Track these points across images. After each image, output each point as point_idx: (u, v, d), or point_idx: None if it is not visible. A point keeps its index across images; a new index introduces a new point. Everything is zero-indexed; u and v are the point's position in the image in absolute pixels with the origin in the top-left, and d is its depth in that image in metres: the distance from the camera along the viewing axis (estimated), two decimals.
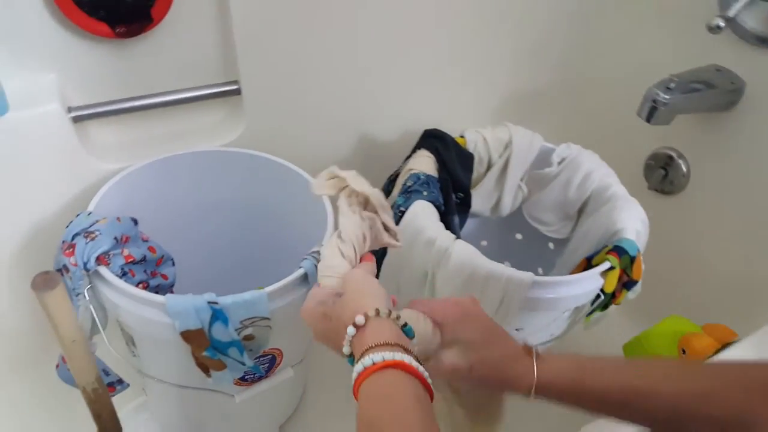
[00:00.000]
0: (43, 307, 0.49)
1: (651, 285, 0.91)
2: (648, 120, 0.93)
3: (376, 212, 0.60)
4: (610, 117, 1.15)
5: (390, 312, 0.49)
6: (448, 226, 0.91)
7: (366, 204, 0.61)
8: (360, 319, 0.47)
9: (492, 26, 1.05)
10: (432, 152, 0.95)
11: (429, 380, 0.45)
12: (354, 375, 0.45)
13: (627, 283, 0.86)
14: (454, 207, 0.96)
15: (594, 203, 0.95)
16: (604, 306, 0.87)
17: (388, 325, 0.48)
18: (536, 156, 1.00)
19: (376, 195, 0.60)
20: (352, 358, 0.49)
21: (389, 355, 0.44)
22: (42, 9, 0.77)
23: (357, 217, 0.59)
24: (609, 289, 0.83)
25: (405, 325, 0.49)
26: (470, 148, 0.99)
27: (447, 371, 0.53)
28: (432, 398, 0.44)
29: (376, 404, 0.43)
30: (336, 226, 0.78)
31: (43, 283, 0.47)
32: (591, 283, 0.80)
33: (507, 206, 1.03)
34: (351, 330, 0.48)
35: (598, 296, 0.83)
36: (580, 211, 0.98)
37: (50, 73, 0.83)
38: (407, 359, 0.44)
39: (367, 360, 0.44)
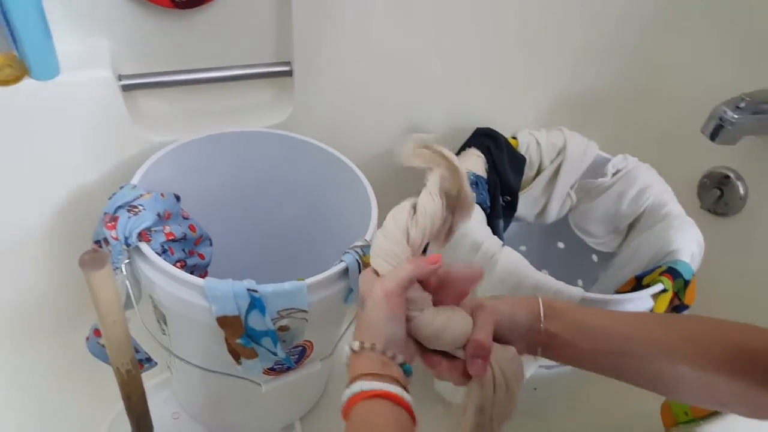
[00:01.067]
0: (89, 285, 0.47)
1: (698, 310, 0.87)
2: (712, 138, 0.89)
3: (453, 213, 0.55)
4: (668, 131, 1.11)
5: (386, 352, 0.49)
6: (494, 229, 0.89)
7: (449, 198, 0.55)
8: (356, 345, 0.49)
9: (557, 26, 1.00)
10: (483, 152, 0.92)
11: (412, 410, 0.47)
12: (343, 399, 0.47)
13: (678, 306, 0.83)
14: (500, 210, 0.93)
15: (647, 220, 0.91)
16: None
17: (380, 360, 0.49)
18: (589, 165, 0.97)
19: (469, 194, 0.55)
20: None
21: (377, 385, 0.46)
22: None
23: (441, 203, 0.54)
24: (659, 311, 0.80)
25: (403, 363, 0.50)
26: (522, 150, 0.96)
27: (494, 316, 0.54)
28: (415, 425, 0.47)
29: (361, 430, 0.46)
30: (380, 220, 0.76)
31: (91, 261, 0.46)
32: (641, 304, 0.77)
33: (553, 213, 1.00)
34: (347, 350, 0.50)
35: None
36: (631, 226, 0.95)
37: (103, 39, 0.81)
38: (394, 390, 0.46)
39: (356, 386, 0.47)
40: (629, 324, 0.55)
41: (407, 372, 0.50)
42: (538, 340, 0.55)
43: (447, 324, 0.52)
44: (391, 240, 0.54)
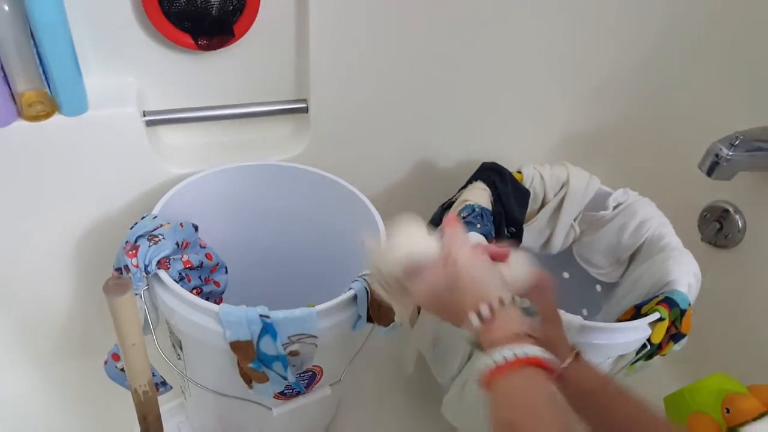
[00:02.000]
0: (111, 310, 0.51)
1: (698, 338, 0.89)
2: (709, 174, 0.92)
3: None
4: (669, 165, 1.14)
5: (513, 298, 0.47)
6: None
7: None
8: (485, 311, 0.46)
9: (559, 64, 1.05)
10: (488, 185, 0.95)
11: (558, 370, 0.46)
12: (484, 369, 0.44)
13: (675, 335, 0.85)
14: (505, 241, 0.96)
15: (647, 251, 0.93)
16: (649, 356, 0.86)
17: (514, 315, 0.47)
18: (592, 198, 1.00)
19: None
20: (474, 343, 0.48)
21: (521, 351, 0.43)
22: (131, 16, 0.81)
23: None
24: (656, 340, 0.82)
25: (526, 306, 0.50)
26: (526, 183, 0.99)
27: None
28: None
29: (514, 405, 0.43)
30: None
31: (114, 287, 0.49)
32: (638, 332, 0.79)
33: (557, 244, 1.03)
34: (475, 320, 0.47)
35: (644, 346, 0.82)
36: (632, 258, 0.97)
37: (130, 77, 0.86)
38: (541, 355, 0.44)
39: (498, 356, 0.44)
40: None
41: (529, 313, 0.50)
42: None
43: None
44: (419, 238, 0.56)
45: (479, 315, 0.47)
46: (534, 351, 0.44)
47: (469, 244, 0.53)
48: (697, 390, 0.96)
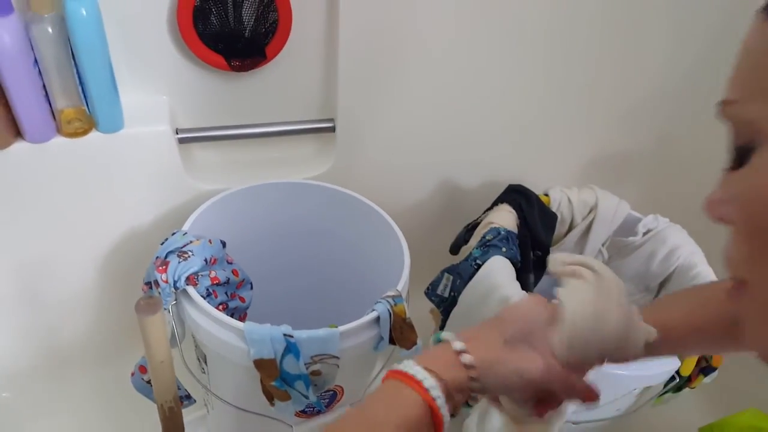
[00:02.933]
0: (141, 328, 0.52)
1: (730, 372, 0.87)
2: None
3: None
4: (701, 192, 1.11)
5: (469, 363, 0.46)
6: (524, 284, 0.91)
7: None
8: (458, 345, 0.46)
9: (593, 89, 1.04)
10: (514, 207, 0.95)
11: (441, 411, 0.43)
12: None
13: (705, 368, 0.83)
14: (531, 265, 0.95)
15: (678, 280, 0.92)
16: (678, 388, 0.84)
17: (450, 360, 0.46)
18: (621, 223, 0.99)
19: None
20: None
21: (418, 372, 0.44)
22: (166, 37, 0.83)
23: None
24: (685, 373, 0.80)
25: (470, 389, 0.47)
26: (554, 207, 0.99)
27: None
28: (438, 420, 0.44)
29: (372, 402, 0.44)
30: (412, 271, 0.80)
31: (146, 307, 0.50)
32: (667, 364, 0.77)
33: None
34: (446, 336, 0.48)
35: (672, 378, 0.81)
36: (662, 286, 0.96)
37: (163, 96, 0.88)
38: (429, 384, 0.43)
39: (405, 365, 0.45)
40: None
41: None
42: None
43: None
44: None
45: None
46: (422, 375, 0.43)
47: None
48: (730, 425, 0.93)
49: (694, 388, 0.85)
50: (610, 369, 0.74)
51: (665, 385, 0.81)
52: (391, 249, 0.86)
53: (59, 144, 0.81)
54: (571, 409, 0.73)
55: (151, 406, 0.79)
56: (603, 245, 1.00)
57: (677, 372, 0.79)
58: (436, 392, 0.43)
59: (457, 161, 1.08)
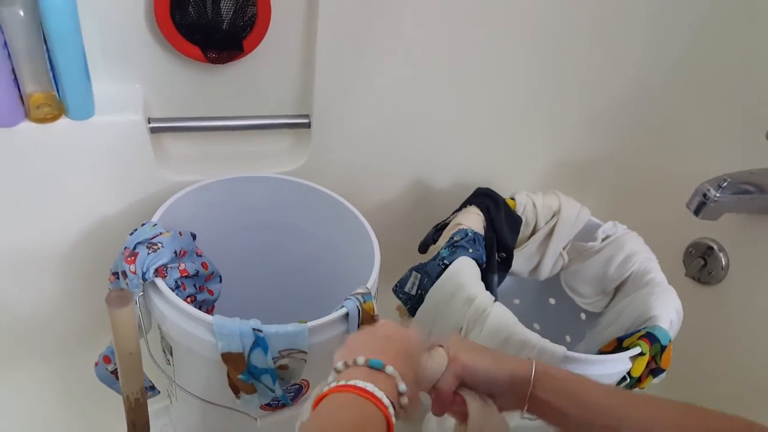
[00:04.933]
0: (112, 320, 0.52)
1: (677, 373, 0.91)
2: (696, 213, 0.94)
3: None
4: (658, 201, 1.17)
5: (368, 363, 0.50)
6: (488, 284, 0.93)
7: None
8: (340, 366, 0.50)
9: (556, 96, 1.08)
10: (482, 210, 0.97)
11: (388, 408, 0.46)
12: (314, 394, 0.48)
13: (654, 370, 0.87)
14: (495, 266, 0.97)
15: (632, 285, 0.96)
16: (629, 387, 0.88)
17: (361, 372, 0.49)
18: (581, 228, 1.02)
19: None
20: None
21: (357, 382, 0.46)
22: (143, 25, 0.82)
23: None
24: (636, 374, 0.84)
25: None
26: (519, 210, 1.02)
27: (458, 369, 0.57)
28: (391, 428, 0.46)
29: (316, 424, 0.45)
30: (382, 267, 0.81)
31: (117, 300, 0.51)
32: (619, 365, 0.81)
33: (546, 271, 1.05)
34: (332, 375, 0.51)
35: (624, 378, 0.84)
36: (617, 290, 1.00)
37: (137, 84, 0.87)
38: (372, 389, 0.46)
39: (331, 379, 0.48)
40: (622, 404, 0.56)
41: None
42: (523, 399, 0.57)
43: (424, 365, 0.57)
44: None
45: (336, 368, 0.51)
46: (363, 384, 0.46)
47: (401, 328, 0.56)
48: None
49: (643, 388, 0.89)
50: (568, 368, 0.78)
51: (617, 385, 0.85)
52: (362, 246, 0.87)
53: (27, 129, 0.79)
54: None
55: (115, 397, 0.79)
56: (564, 249, 1.04)
57: (628, 373, 0.83)
58: (388, 402, 0.47)
59: (428, 163, 1.10)
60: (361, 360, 0.50)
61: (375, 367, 0.49)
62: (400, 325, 0.59)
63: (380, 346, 0.53)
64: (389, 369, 0.49)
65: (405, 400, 0.50)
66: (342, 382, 0.47)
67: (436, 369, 0.57)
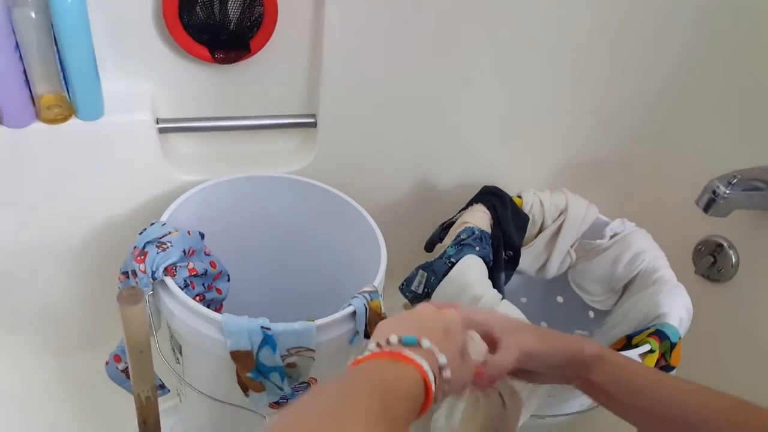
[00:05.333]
0: (122, 318, 0.53)
1: (687, 371, 0.91)
2: (705, 210, 0.94)
3: None
4: (667, 198, 1.16)
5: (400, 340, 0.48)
6: (495, 282, 0.93)
7: None
8: (372, 346, 0.48)
9: (569, 94, 1.07)
10: (489, 208, 0.97)
11: (428, 373, 0.44)
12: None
13: (664, 367, 0.86)
14: (502, 264, 0.97)
15: (641, 283, 0.95)
16: None
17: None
18: (589, 226, 1.02)
19: None
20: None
21: (387, 347, 0.45)
22: (151, 26, 0.83)
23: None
24: None
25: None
26: (526, 209, 1.01)
27: (517, 353, 0.56)
28: (429, 400, 0.45)
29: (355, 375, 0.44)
30: (389, 266, 0.81)
31: (128, 298, 0.51)
32: None
33: (553, 269, 1.05)
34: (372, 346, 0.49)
35: None
36: (626, 288, 0.99)
37: (145, 85, 0.88)
38: (420, 360, 0.44)
39: (370, 347, 0.46)
40: (676, 392, 0.58)
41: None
42: (574, 379, 0.58)
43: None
44: None
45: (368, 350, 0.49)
46: (412, 354, 0.45)
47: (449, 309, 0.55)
48: None
49: None
50: None
51: None
52: (369, 245, 0.87)
53: (38, 130, 0.80)
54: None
55: (125, 395, 0.79)
56: (571, 247, 1.04)
57: None
58: (431, 376, 0.45)
59: (435, 161, 1.10)
60: (394, 339, 0.47)
61: (409, 344, 0.47)
62: (436, 307, 0.56)
63: (415, 326, 0.50)
64: (425, 342, 0.47)
65: (447, 373, 0.47)
66: (376, 350, 0.45)
67: (480, 351, 0.56)
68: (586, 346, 0.58)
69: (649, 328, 0.85)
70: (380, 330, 0.51)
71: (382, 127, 1.01)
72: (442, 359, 0.47)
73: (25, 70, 0.77)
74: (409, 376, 0.44)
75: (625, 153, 1.19)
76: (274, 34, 0.86)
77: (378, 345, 0.48)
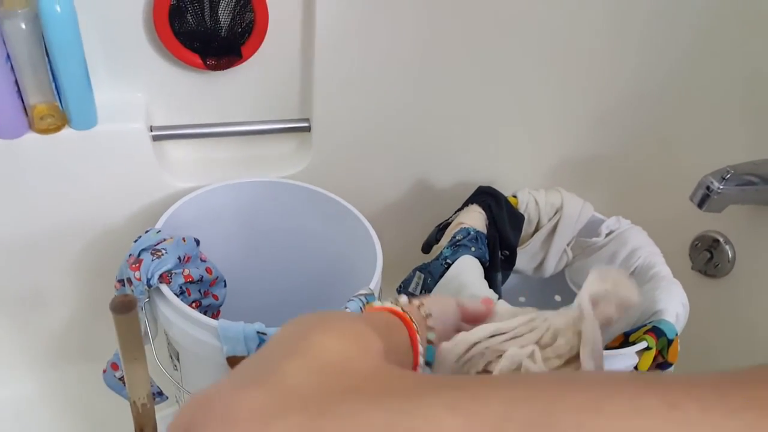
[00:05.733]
0: (116, 326, 0.53)
1: (684, 367, 0.91)
2: (700, 206, 0.94)
3: None
4: (662, 195, 1.16)
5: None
6: (491, 282, 0.93)
7: None
8: (403, 299, 0.48)
9: (564, 93, 1.08)
10: (484, 208, 0.97)
11: (416, 329, 0.44)
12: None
13: (661, 364, 0.86)
14: (498, 264, 0.97)
15: (637, 279, 0.95)
16: None
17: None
18: (585, 224, 1.02)
19: None
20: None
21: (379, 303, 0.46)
22: (142, 35, 0.83)
23: None
24: (643, 368, 0.84)
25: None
26: (521, 208, 1.01)
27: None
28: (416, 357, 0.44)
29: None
30: (384, 268, 0.82)
31: (121, 305, 0.51)
32: (626, 360, 0.81)
33: (550, 268, 1.05)
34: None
35: None
36: None
37: (138, 93, 0.88)
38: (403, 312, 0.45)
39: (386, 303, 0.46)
40: None
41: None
42: None
43: None
44: None
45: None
46: (390, 304, 0.45)
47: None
48: None
49: None
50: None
51: None
52: (364, 248, 0.88)
53: (31, 140, 0.81)
54: None
55: (124, 403, 0.79)
56: (568, 245, 1.04)
57: (635, 367, 0.82)
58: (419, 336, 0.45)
59: (430, 163, 1.10)
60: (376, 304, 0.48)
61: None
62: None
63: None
64: (403, 299, 0.48)
65: (432, 321, 0.47)
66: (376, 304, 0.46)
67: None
68: None
69: (645, 325, 0.84)
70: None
71: (377, 131, 1.02)
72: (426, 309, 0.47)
73: (17, 81, 0.77)
74: (394, 320, 0.44)
75: (620, 151, 1.19)
76: (265, 39, 0.86)
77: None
